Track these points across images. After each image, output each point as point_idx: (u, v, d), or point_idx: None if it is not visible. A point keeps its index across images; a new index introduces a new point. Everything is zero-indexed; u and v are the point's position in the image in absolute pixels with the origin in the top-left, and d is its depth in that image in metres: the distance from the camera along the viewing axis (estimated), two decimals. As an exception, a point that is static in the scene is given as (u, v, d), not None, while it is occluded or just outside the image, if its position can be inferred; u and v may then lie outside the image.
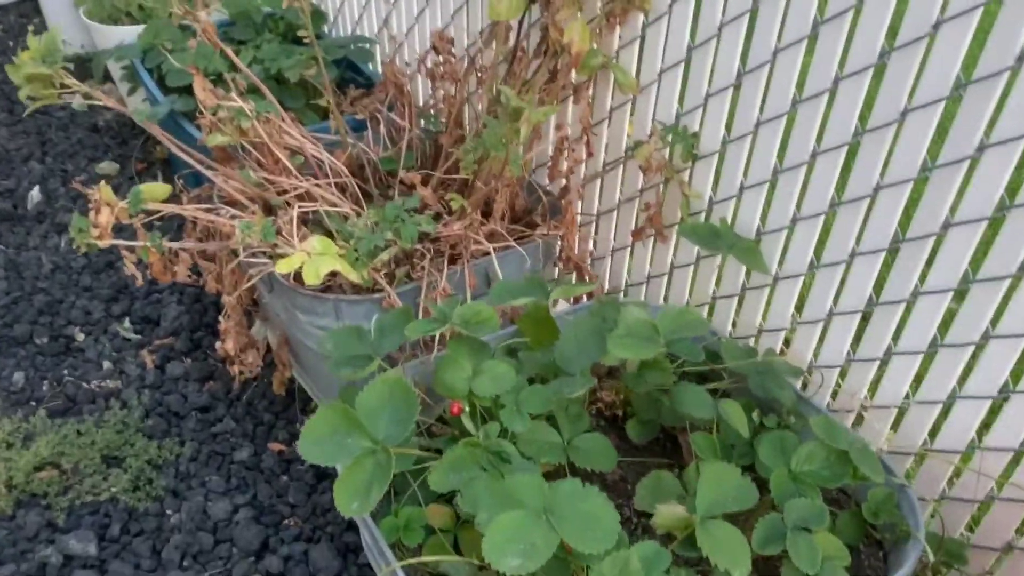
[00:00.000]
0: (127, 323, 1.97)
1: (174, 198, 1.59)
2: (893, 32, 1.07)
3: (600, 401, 1.31)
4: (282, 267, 1.26)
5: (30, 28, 3.43)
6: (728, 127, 1.36)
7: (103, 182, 1.42)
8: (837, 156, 1.20)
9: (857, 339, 1.31)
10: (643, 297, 1.69)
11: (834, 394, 1.39)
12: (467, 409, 1.18)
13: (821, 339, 1.36)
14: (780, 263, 1.37)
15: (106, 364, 1.86)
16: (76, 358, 1.88)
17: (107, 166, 2.53)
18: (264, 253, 1.49)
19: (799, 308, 1.39)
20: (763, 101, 1.28)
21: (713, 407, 1.15)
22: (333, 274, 1.52)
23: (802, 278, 1.34)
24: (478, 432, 1.15)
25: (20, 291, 2.04)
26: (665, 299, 1.64)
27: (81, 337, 1.94)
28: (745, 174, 1.36)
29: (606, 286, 1.77)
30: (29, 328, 1.93)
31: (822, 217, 1.27)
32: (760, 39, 1.23)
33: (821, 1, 1.15)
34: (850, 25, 1.12)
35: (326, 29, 2.41)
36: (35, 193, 2.38)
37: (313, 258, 1.28)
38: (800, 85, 1.21)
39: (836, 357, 1.34)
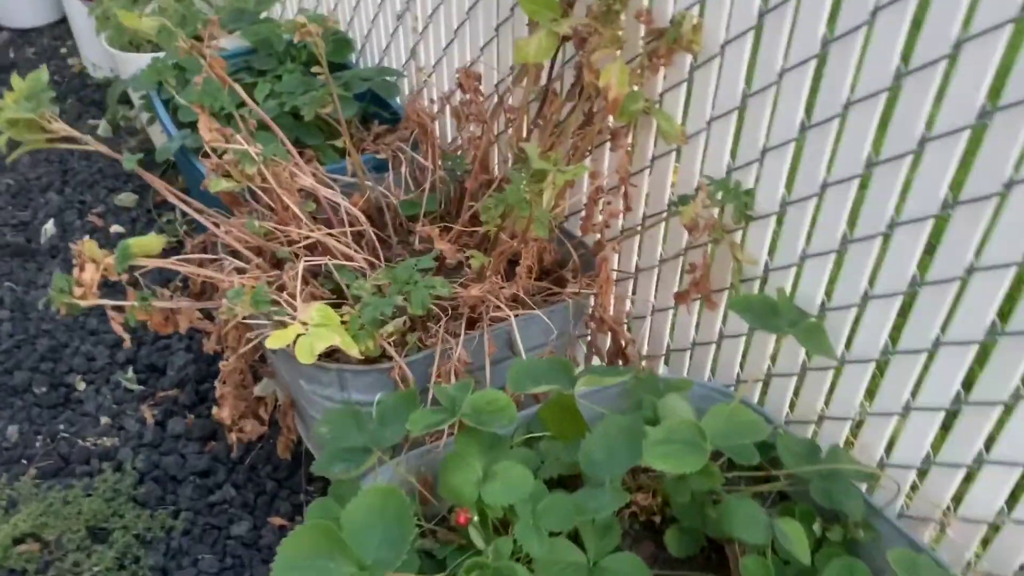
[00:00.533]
0: (130, 372, 1.85)
1: (178, 244, 1.46)
2: (996, 91, 0.88)
3: (635, 503, 1.13)
4: (273, 342, 1.11)
5: (62, 51, 3.38)
6: (788, 186, 1.17)
7: (87, 238, 1.29)
8: (921, 229, 1.01)
9: (942, 437, 1.11)
10: (686, 367, 1.51)
11: (909, 495, 1.19)
12: (475, 519, 1.01)
13: (895, 434, 1.16)
14: (848, 344, 1.18)
15: (104, 419, 1.74)
16: (74, 411, 1.76)
17: (126, 198, 2.43)
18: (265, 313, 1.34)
19: (870, 394, 1.19)
20: (831, 159, 1.09)
21: (769, 529, 0.97)
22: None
23: (873, 364, 1.15)
24: (487, 549, 0.98)
25: (24, 334, 1.94)
26: (712, 371, 1.46)
27: (82, 387, 1.82)
28: (808, 240, 1.17)
29: (644, 349, 1.59)
30: (29, 376, 1.82)
31: (900, 297, 1.07)
32: (830, 89, 1.05)
33: (906, 47, 0.96)
34: (944, 73, 0.94)
35: (353, 58, 2.28)
36: (49, 226, 2.29)
37: (310, 331, 1.13)
38: (877, 144, 1.03)
39: (914, 457, 1.14)
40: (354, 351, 1.16)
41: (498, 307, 1.33)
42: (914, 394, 1.11)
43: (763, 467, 1.13)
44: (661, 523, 1.15)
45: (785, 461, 1.11)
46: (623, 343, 1.49)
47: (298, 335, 1.12)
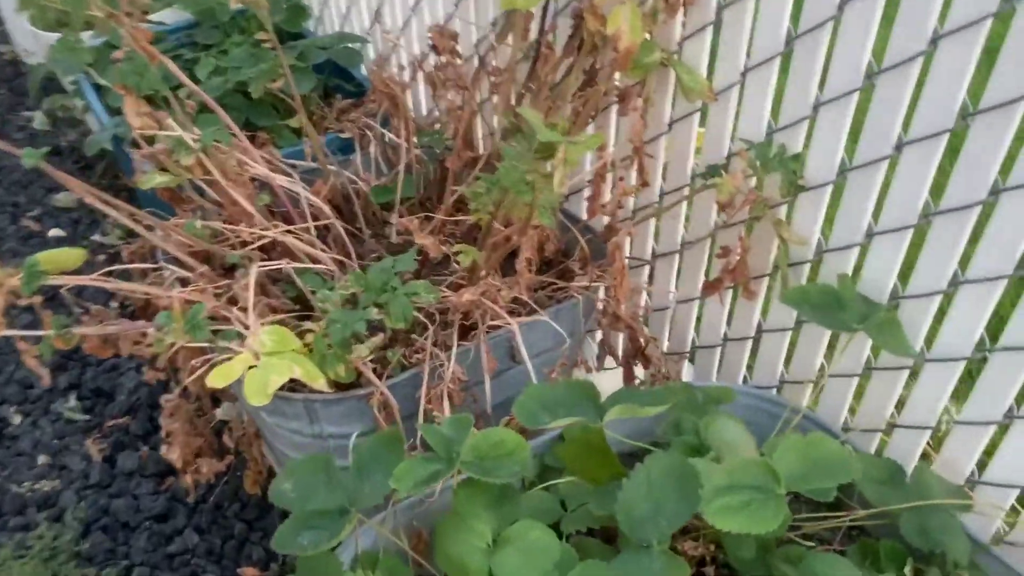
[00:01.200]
0: (73, 400, 1.61)
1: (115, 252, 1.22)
2: None
3: (681, 552, 0.91)
4: (217, 379, 0.88)
5: (-9, 36, 3.08)
6: (850, 148, 0.94)
7: None
8: (1039, 196, 0.79)
9: (1052, 452, 0.90)
10: (715, 368, 1.28)
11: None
12: (487, 598, 0.79)
13: (991, 446, 0.95)
14: (928, 341, 0.96)
15: (42, 458, 1.50)
16: (7, 449, 1.52)
17: (64, 197, 2.17)
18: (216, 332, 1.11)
19: (957, 398, 0.98)
20: (909, 113, 0.87)
21: (866, 597, 0.75)
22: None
23: (963, 363, 0.93)
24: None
25: (-51, 361, 1.69)
26: (749, 370, 1.24)
27: (17, 420, 1.58)
28: (876, 215, 0.95)
29: (664, 345, 1.37)
30: (-46, 411, 1.58)
31: (1002, 282, 0.85)
32: (910, 20, 0.82)
33: (1020, -43, 0.73)
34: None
35: (311, 26, 2.02)
36: (-23, 234, 2.02)
37: (262, 363, 0.89)
38: (975, 91, 0.80)
39: (1018, 474, 0.93)
40: (320, 382, 0.93)
41: (496, 314, 1.10)
42: (1020, 400, 0.90)
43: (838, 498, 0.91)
44: (716, 569, 0.93)
45: (866, 491, 0.89)
46: (642, 342, 1.27)
47: (248, 367, 0.89)
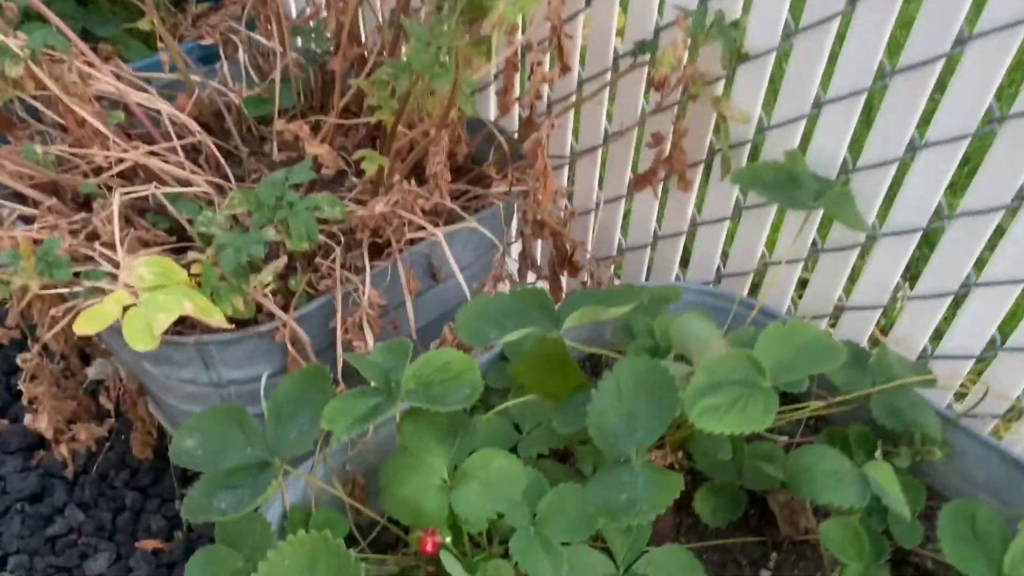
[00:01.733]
0: (-94, 375, 1.37)
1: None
2: None
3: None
4: (86, 325, 0.71)
5: None
6: (795, 10, 0.86)
7: None
8: (1007, 42, 0.73)
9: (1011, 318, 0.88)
10: (644, 268, 1.21)
11: (958, 395, 0.96)
12: (447, 540, 0.69)
13: (946, 320, 0.91)
14: (882, 215, 0.90)
15: None
16: None
17: None
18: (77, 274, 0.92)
19: (910, 278, 0.94)
20: (866, -42, 0.78)
21: (864, 485, 0.69)
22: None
23: (919, 234, 0.88)
24: (475, 583, 0.66)
25: None
26: (684, 266, 1.17)
27: None
28: (825, 84, 0.87)
29: (588, 249, 1.28)
30: None
31: (963, 142, 0.80)
32: None
33: None
34: None
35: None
36: None
37: (143, 300, 0.73)
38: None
39: (973, 345, 0.90)
40: (217, 318, 0.78)
41: (415, 225, 0.96)
42: (979, 266, 0.86)
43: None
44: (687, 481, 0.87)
45: (833, 377, 0.84)
46: (568, 248, 1.17)
47: (125, 308, 0.73)
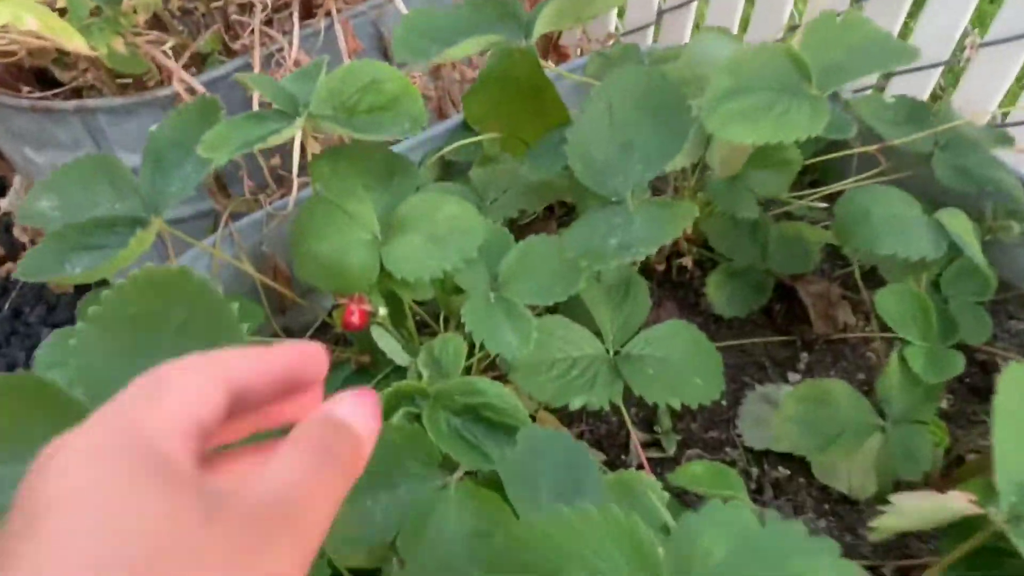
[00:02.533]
0: None
1: None
2: None
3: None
4: None
5: None
6: None
7: None
8: None
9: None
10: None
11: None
12: (382, 312, 0.52)
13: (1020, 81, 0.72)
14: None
15: None
16: None
17: None
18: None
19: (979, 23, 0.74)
20: None
21: (941, 233, 0.52)
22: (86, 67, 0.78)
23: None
24: (414, 362, 0.49)
25: None
26: None
27: None
28: None
29: None
30: None
31: None
32: None
33: None
34: None
35: None
36: None
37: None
38: None
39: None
40: (77, 44, 0.58)
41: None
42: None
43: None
44: (698, 266, 0.69)
45: (885, 133, 0.65)
46: None
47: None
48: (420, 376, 0.50)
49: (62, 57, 0.80)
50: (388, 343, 0.51)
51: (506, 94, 0.55)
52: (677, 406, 0.50)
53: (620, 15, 1.00)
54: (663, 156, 0.50)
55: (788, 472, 0.61)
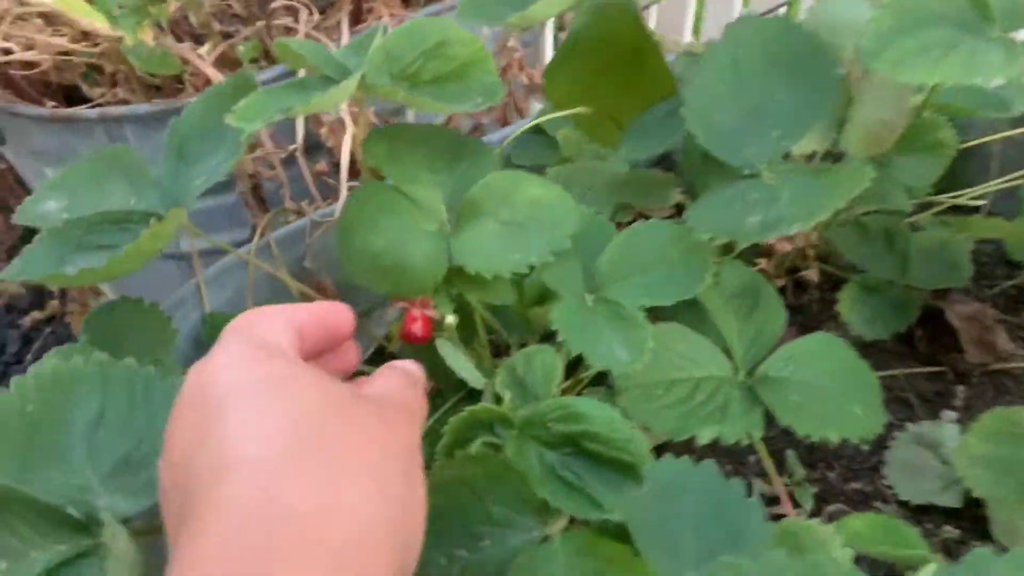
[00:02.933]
0: None
1: None
2: None
3: (768, 252, 0.55)
4: None
5: None
6: None
7: None
8: None
9: None
10: None
11: None
12: (449, 322, 0.41)
13: None
14: None
15: None
16: None
17: None
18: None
19: None
20: None
21: None
22: (112, 79, 0.71)
23: None
24: (496, 391, 0.38)
25: None
26: None
27: None
28: None
29: None
30: None
31: None
32: None
33: None
34: None
35: None
36: None
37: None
38: None
39: None
40: (98, 22, 0.50)
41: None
42: None
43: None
44: (826, 286, 0.58)
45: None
46: None
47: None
48: (499, 400, 0.39)
49: (91, 73, 0.73)
50: (458, 359, 0.40)
51: (598, 62, 0.46)
52: (835, 439, 0.38)
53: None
54: (804, 120, 0.40)
55: (958, 531, 0.48)
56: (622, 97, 0.47)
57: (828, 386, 0.41)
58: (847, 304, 0.53)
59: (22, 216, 0.47)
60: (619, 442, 0.34)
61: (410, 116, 0.63)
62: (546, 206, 0.41)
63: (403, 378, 0.32)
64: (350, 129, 0.56)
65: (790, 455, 0.51)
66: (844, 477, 0.51)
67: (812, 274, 0.55)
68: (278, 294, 0.52)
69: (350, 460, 0.24)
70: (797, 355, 0.42)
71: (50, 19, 0.71)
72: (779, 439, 0.54)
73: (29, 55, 0.68)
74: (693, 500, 0.29)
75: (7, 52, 0.68)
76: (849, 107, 0.46)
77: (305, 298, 0.52)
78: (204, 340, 0.50)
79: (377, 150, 0.43)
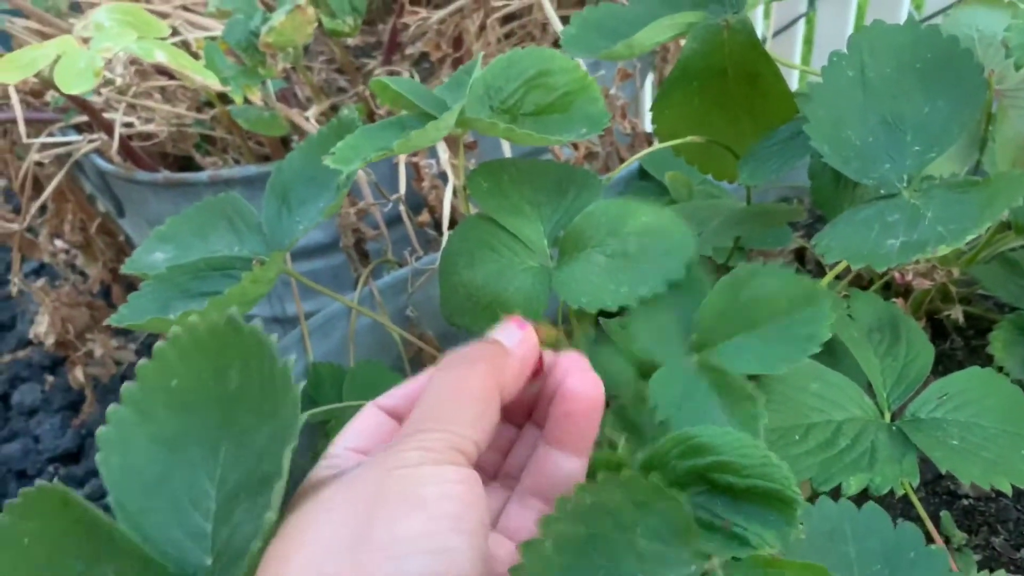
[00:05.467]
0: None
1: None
2: None
3: (902, 290, 0.50)
4: (6, 73, 0.47)
5: None
6: None
7: None
8: None
9: None
10: None
11: None
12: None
13: None
14: None
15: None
16: None
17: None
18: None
19: None
20: None
21: None
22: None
23: None
24: (608, 436, 0.35)
25: None
26: None
27: None
28: None
29: None
30: None
31: None
32: None
33: None
34: None
35: None
36: None
37: (92, 40, 0.49)
38: None
39: None
40: (209, 80, 0.52)
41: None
42: None
43: None
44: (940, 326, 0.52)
45: None
46: None
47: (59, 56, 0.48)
48: (613, 446, 0.36)
49: (203, 144, 0.76)
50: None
51: (711, 89, 0.43)
52: (1007, 489, 0.33)
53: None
54: (949, 130, 0.36)
55: None
56: (739, 125, 0.44)
57: (993, 428, 0.35)
58: (1000, 345, 0.47)
59: (131, 267, 0.47)
60: (753, 468, 0.30)
61: (507, 153, 0.62)
62: (657, 233, 0.38)
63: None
64: (451, 180, 0.55)
65: (944, 516, 0.45)
66: (1013, 542, 0.44)
67: (956, 314, 0.49)
68: (382, 343, 0.51)
69: None
70: (952, 393, 0.37)
71: (167, 94, 0.75)
72: (926, 501, 0.48)
73: (149, 127, 0.71)
74: (864, 546, 0.25)
75: (128, 125, 0.71)
76: (991, 123, 0.42)
77: (408, 346, 0.50)
78: (307, 391, 0.49)
79: (480, 184, 0.42)
